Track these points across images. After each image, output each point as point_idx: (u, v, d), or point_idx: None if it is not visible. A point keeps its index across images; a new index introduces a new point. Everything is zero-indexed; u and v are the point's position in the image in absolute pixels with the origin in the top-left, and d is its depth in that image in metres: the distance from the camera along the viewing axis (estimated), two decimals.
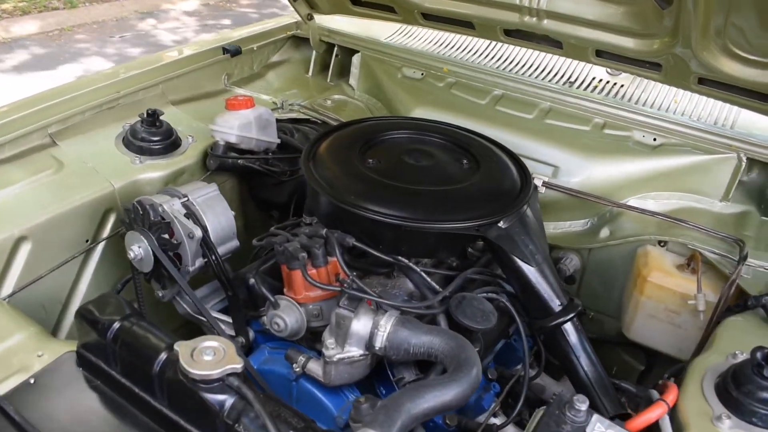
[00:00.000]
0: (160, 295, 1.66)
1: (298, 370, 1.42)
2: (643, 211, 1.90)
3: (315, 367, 1.41)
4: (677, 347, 1.79)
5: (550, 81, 2.26)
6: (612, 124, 2.07)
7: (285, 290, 1.50)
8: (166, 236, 1.53)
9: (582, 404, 1.19)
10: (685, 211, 1.94)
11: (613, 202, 1.93)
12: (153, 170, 1.90)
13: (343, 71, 2.69)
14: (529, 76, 2.31)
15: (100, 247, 1.81)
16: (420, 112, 2.21)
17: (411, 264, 1.48)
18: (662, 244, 1.85)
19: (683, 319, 1.75)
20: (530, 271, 1.53)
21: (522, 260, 1.50)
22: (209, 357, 1.13)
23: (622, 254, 1.91)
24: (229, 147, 2.01)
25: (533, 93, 2.20)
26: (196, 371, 1.10)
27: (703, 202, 1.97)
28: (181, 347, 1.14)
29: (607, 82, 2.22)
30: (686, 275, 1.76)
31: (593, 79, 2.24)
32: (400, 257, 1.48)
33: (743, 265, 1.65)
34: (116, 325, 1.26)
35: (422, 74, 2.39)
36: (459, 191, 1.52)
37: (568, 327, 1.55)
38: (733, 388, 1.25)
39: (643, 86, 2.17)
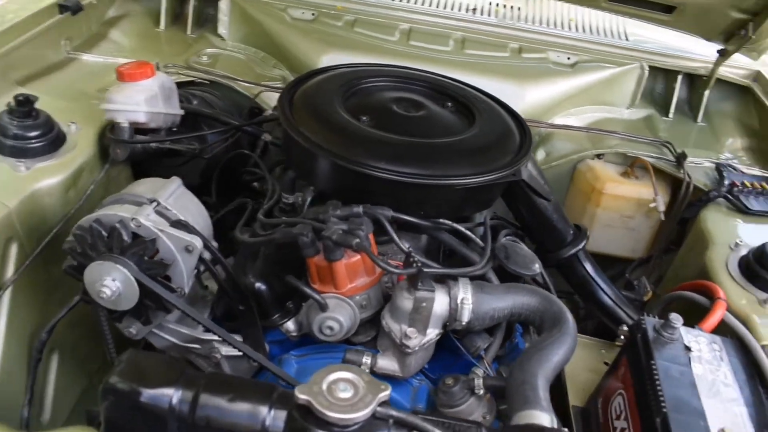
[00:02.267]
0: (134, 332, 1.29)
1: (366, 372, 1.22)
2: (579, 128, 1.97)
3: (387, 363, 1.23)
4: (631, 248, 1.94)
5: (451, 10, 2.18)
6: (527, 48, 2.08)
7: (317, 287, 1.26)
8: (149, 258, 1.16)
9: (677, 321, 1.23)
10: (601, 122, 2.08)
11: (549, 125, 1.98)
12: (46, 176, 1.42)
13: (200, 20, 2.28)
14: (426, 6, 2.20)
15: (7, 292, 1.32)
16: (331, 58, 1.98)
17: (456, 225, 1.34)
18: (599, 156, 1.96)
19: (636, 222, 1.90)
20: (548, 206, 1.51)
21: (542, 196, 1.46)
22: (348, 393, 0.90)
23: (561, 172, 1.99)
24: (136, 128, 1.59)
25: (440, 24, 2.11)
26: (345, 415, 0.87)
27: (614, 111, 2.12)
28: (309, 392, 0.89)
29: (504, 6, 2.22)
30: (633, 181, 1.90)
31: (490, 4, 2.22)
32: (442, 220, 1.34)
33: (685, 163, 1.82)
34: (177, 392, 0.93)
35: (313, 14, 2.13)
36: (475, 139, 1.40)
37: (581, 253, 1.57)
38: (764, 272, 1.39)
39: (538, 6, 2.22)
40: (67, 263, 1.21)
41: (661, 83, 2.18)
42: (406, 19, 2.12)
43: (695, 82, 2.14)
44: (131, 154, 1.58)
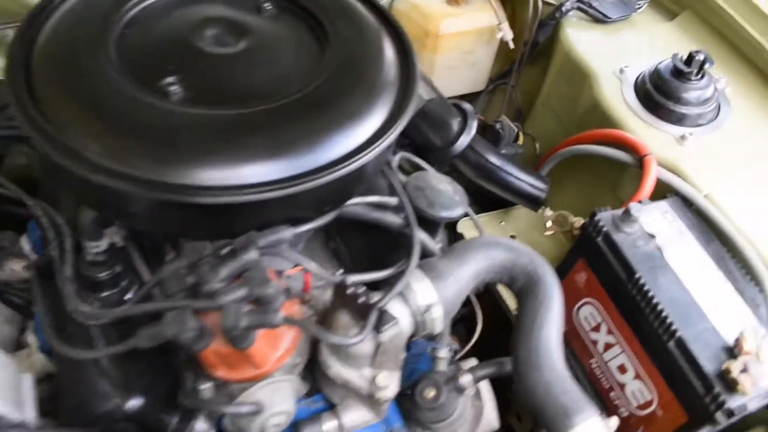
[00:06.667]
0: None
1: None
2: None
3: (358, 416, 0.90)
4: (473, 83, 1.70)
5: None
6: None
7: (221, 374, 0.83)
8: None
9: (637, 211, 1.07)
10: None
11: None
12: None
13: None
14: None
15: None
16: None
17: (367, 198, 0.94)
18: None
19: (477, 55, 1.62)
20: (435, 101, 1.18)
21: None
22: None
23: None
24: None
25: None
26: None
27: None
28: None
29: None
30: (464, 9, 1.56)
31: None
32: (352, 201, 0.92)
33: None
34: None
35: None
36: (341, 77, 0.86)
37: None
38: (669, 102, 1.25)
39: None
40: None
41: None
42: None
43: None
44: None
